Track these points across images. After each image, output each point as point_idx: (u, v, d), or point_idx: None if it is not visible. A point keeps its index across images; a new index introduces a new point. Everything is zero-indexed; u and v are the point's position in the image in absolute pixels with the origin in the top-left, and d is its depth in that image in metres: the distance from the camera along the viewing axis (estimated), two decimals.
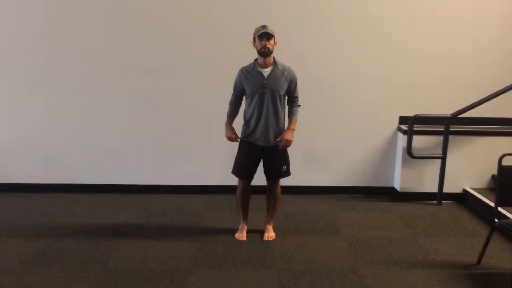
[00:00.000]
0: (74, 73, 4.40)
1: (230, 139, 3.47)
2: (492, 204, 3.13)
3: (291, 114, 3.45)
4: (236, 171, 3.51)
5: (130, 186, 4.60)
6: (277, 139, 3.36)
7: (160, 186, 4.61)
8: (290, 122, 3.43)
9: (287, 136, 3.36)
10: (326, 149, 4.60)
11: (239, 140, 3.46)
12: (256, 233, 3.63)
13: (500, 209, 3.51)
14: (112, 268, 3.08)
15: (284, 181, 4.42)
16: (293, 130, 3.40)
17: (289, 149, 4.39)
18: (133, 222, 3.88)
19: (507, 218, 3.51)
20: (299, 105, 3.49)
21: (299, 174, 4.60)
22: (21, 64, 4.40)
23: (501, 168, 3.01)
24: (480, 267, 3.16)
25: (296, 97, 3.46)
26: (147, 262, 3.17)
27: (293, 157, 4.50)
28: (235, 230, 3.65)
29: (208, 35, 4.31)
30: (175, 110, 4.48)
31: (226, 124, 3.48)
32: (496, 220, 3.00)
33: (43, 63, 4.39)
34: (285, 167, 3.49)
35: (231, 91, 3.49)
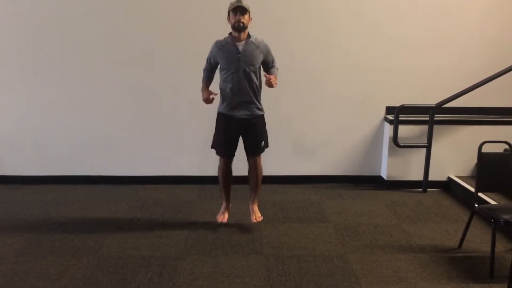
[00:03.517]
0: (67, 66, 4.44)
1: (207, 100, 3.46)
2: (474, 190, 3.23)
3: (270, 73, 3.45)
4: (216, 148, 3.54)
5: (122, 177, 4.66)
6: (265, 75, 3.34)
7: (152, 177, 4.68)
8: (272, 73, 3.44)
9: (272, 77, 3.33)
10: (315, 139, 4.68)
11: (214, 96, 3.45)
12: (245, 221, 3.71)
13: (480, 194, 3.64)
14: (105, 256, 3.16)
15: (273, 171, 4.54)
16: (275, 76, 3.39)
17: (277, 139, 4.47)
18: (125, 212, 3.96)
19: (487, 203, 3.63)
20: (277, 69, 3.52)
21: (288, 164, 4.70)
22: (13, 57, 4.43)
23: (481, 155, 3.11)
24: (461, 250, 3.28)
25: (274, 63, 3.49)
26: (139, 250, 3.25)
27: (282, 147, 4.62)
28: (225, 222, 3.70)
29: (199, 27, 4.37)
30: (166, 101, 4.54)
31: (202, 89, 3.50)
32: (476, 205, 3.11)
33: (35, 56, 4.42)
34: (263, 142, 3.50)
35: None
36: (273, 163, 4.55)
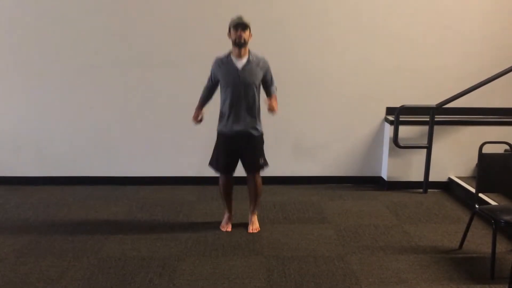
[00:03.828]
0: (67, 67, 4.45)
1: (195, 119, 3.46)
2: (474, 191, 3.23)
3: (270, 93, 3.44)
4: (214, 165, 3.53)
5: (122, 178, 4.66)
6: (266, 103, 3.33)
7: (152, 177, 4.68)
8: (271, 96, 3.42)
9: (272, 101, 3.34)
10: (315, 140, 4.68)
11: (200, 120, 3.47)
12: (245, 223, 3.70)
13: (481, 195, 3.63)
14: (105, 256, 3.16)
15: (274, 172, 4.53)
16: (275, 99, 3.38)
17: (278, 140, 4.47)
18: (125, 213, 3.95)
19: (488, 204, 3.63)
20: (276, 87, 3.49)
21: (289, 165, 4.70)
22: (13, 58, 4.43)
23: (481, 155, 3.10)
24: (462, 251, 3.27)
25: (273, 82, 3.46)
26: (139, 251, 3.24)
27: (282, 148, 4.62)
28: (229, 231, 3.67)
29: (199, 29, 4.37)
30: (167, 102, 4.54)
31: (196, 107, 3.49)
32: (476, 206, 3.10)
33: (35, 57, 4.42)
34: (262, 159, 3.49)
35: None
36: (273, 164, 4.52)
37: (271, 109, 3.32)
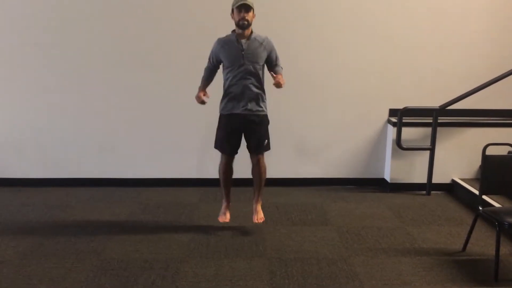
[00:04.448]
0: (70, 70, 4.45)
1: (199, 98, 3.39)
2: (478, 193, 3.22)
3: (275, 72, 3.41)
4: (218, 145, 3.48)
5: (125, 180, 4.66)
6: (272, 75, 3.32)
7: (154, 179, 4.68)
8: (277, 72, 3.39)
9: (279, 77, 3.32)
10: (318, 142, 4.68)
11: (207, 99, 3.41)
12: (248, 224, 3.70)
13: (484, 197, 3.62)
14: (108, 258, 3.16)
15: (277, 173, 4.54)
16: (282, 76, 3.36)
17: (280, 142, 4.47)
18: (128, 215, 3.95)
19: (492, 206, 3.61)
20: (282, 67, 3.47)
21: (292, 166, 4.70)
22: (17, 61, 4.44)
23: (485, 157, 3.09)
24: (465, 254, 3.26)
25: (279, 63, 3.44)
26: (142, 252, 3.24)
27: (285, 150, 4.62)
28: (227, 222, 3.70)
29: (201, 29, 4.37)
30: (169, 104, 4.55)
31: (199, 88, 3.45)
32: (480, 208, 3.09)
33: (39, 59, 4.43)
34: (266, 141, 3.45)
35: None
36: (275, 165, 4.55)
37: (277, 84, 3.29)
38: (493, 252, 2.94)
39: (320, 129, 4.64)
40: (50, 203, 4.21)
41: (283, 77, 3.38)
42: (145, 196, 4.40)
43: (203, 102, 3.43)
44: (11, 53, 4.43)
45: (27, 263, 3.09)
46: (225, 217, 3.61)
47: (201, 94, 3.41)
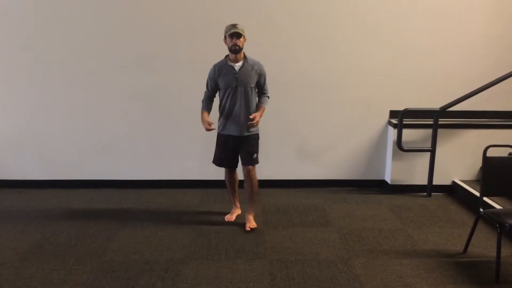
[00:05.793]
0: (70, 70, 4.46)
1: (208, 130, 3.55)
2: (479, 195, 3.21)
3: (260, 103, 3.62)
4: (216, 162, 3.74)
5: (126, 181, 4.66)
6: (250, 116, 3.48)
7: (155, 181, 4.68)
8: (259, 108, 3.58)
9: (256, 115, 3.49)
10: (319, 144, 4.67)
11: (214, 128, 3.57)
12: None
13: (485, 199, 3.61)
14: (108, 260, 3.15)
15: (278, 175, 4.54)
16: (261, 113, 3.56)
17: (281, 144, 4.47)
18: (129, 216, 3.95)
19: (493, 207, 3.61)
20: (268, 96, 3.65)
21: (292, 168, 4.69)
22: (16, 61, 4.44)
23: (485, 158, 3.09)
24: (466, 255, 3.25)
25: (266, 90, 3.65)
26: (142, 254, 3.24)
27: (286, 151, 4.62)
28: (228, 223, 3.75)
29: (202, 31, 4.37)
30: (170, 106, 4.55)
31: (201, 120, 3.59)
32: (481, 210, 3.08)
33: (38, 60, 4.44)
34: (255, 154, 3.63)
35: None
36: (276, 167, 4.55)
37: (252, 120, 3.45)
38: (494, 254, 2.94)
39: (321, 131, 4.64)
40: (51, 205, 4.20)
41: (264, 111, 3.57)
42: (145, 198, 4.40)
43: (212, 129, 3.56)
44: (11, 54, 4.43)
45: (27, 265, 3.08)
46: (230, 217, 3.84)
47: (208, 126, 3.53)
